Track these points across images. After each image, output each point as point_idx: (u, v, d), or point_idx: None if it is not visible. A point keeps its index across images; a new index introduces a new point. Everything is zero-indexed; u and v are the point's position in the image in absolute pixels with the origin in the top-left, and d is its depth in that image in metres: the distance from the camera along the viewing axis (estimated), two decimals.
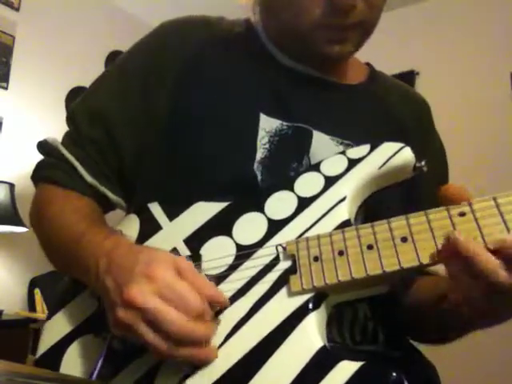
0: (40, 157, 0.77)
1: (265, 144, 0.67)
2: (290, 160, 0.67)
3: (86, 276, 0.59)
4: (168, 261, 0.52)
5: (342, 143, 0.68)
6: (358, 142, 0.68)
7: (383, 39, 3.07)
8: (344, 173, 0.60)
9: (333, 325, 0.61)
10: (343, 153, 0.62)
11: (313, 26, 0.65)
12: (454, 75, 3.05)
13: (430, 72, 3.12)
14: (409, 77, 3.08)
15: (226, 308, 0.54)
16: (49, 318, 0.67)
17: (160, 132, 0.71)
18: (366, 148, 0.61)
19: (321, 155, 0.66)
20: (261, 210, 0.61)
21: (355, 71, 0.79)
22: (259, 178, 0.65)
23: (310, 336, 0.50)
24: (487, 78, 2.93)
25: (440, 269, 0.69)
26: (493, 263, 0.46)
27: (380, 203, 0.63)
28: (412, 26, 3.25)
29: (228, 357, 0.51)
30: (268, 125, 0.68)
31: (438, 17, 3.17)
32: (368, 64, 0.83)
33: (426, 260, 0.49)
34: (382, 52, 2.68)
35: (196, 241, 0.61)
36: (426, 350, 0.69)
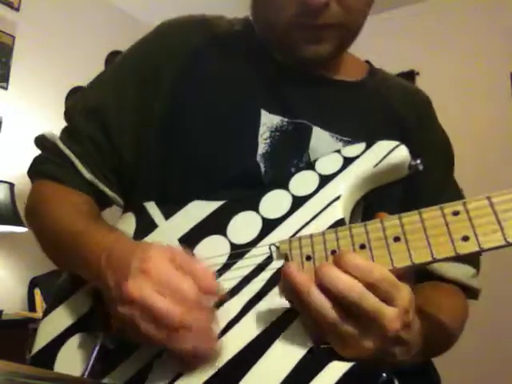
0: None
1: (266, 139, 0.67)
2: (291, 156, 0.67)
3: (87, 270, 0.59)
4: (163, 253, 0.52)
5: (341, 140, 0.69)
6: (357, 139, 0.68)
7: (383, 39, 3.09)
8: (339, 171, 0.60)
9: None
10: (338, 151, 0.62)
11: (288, 25, 0.65)
12: (454, 75, 3.04)
13: (430, 72, 3.12)
14: (409, 77, 3.08)
15: (224, 300, 0.54)
16: (44, 317, 0.67)
17: (160, 130, 0.71)
18: (361, 146, 0.61)
19: (320, 152, 0.66)
20: (255, 208, 0.61)
21: (354, 68, 0.79)
22: (263, 170, 0.65)
23: (302, 336, 0.50)
24: (487, 78, 2.93)
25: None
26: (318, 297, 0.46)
27: (381, 201, 0.63)
28: (412, 26, 3.25)
29: (220, 355, 0.51)
30: (269, 121, 0.68)
31: (438, 17, 3.17)
32: (367, 61, 0.83)
33: (418, 259, 0.48)
34: (382, 52, 2.68)
35: (190, 240, 0.61)
36: None
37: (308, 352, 0.49)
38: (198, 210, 0.63)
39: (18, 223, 2.46)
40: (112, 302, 0.52)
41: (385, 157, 0.58)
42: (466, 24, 3.08)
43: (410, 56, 3.18)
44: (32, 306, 2.62)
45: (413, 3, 3.27)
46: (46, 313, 0.67)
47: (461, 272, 0.70)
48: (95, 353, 0.57)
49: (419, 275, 0.70)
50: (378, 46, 2.68)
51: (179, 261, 0.52)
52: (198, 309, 0.50)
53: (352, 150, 0.61)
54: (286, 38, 0.67)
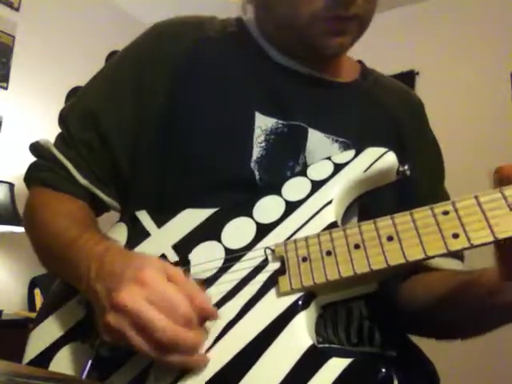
0: None
1: (261, 142, 0.67)
2: (287, 158, 0.67)
3: (77, 281, 0.59)
4: (158, 266, 0.52)
5: (337, 141, 0.69)
6: (353, 140, 0.69)
7: (383, 39, 3.09)
8: (330, 177, 0.61)
9: (328, 326, 0.62)
10: (329, 158, 0.64)
11: (313, 17, 0.66)
12: (454, 75, 3.04)
13: (430, 72, 3.11)
14: (409, 77, 3.08)
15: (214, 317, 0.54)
16: (35, 326, 0.67)
17: (158, 130, 0.71)
18: (351, 153, 0.63)
19: (317, 153, 0.67)
20: (249, 214, 0.62)
21: (348, 68, 0.79)
22: (257, 176, 0.66)
23: (299, 335, 0.51)
24: (487, 78, 2.93)
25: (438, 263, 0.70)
26: None
27: (375, 205, 0.64)
28: (412, 26, 3.25)
29: (219, 358, 0.52)
30: (264, 123, 0.68)
31: (438, 17, 3.17)
32: (359, 61, 0.84)
33: (411, 257, 0.49)
34: (382, 52, 2.68)
35: (184, 246, 0.62)
36: (424, 347, 0.69)
37: (306, 351, 0.49)
38: (191, 218, 0.64)
39: (18, 223, 2.46)
40: (101, 311, 0.52)
41: (373, 163, 0.60)
42: (466, 24, 3.07)
43: (410, 56, 3.18)
44: (32, 306, 2.63)
45: (413, 3, 3.27)
46: (37, 322, 0.67)
47: (453, 263, 0.73)
48: (90, 361, 0.57)
49: (417, 270, 0.72)
50: (378, 46, 2.68)
51: (174, 275, 0.52)
52: (190, 327, 0.50)
53: (342, 157, 0.63)
54: (308, 32, 0.67)
